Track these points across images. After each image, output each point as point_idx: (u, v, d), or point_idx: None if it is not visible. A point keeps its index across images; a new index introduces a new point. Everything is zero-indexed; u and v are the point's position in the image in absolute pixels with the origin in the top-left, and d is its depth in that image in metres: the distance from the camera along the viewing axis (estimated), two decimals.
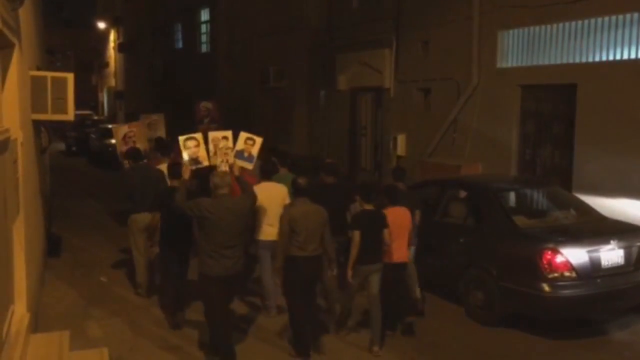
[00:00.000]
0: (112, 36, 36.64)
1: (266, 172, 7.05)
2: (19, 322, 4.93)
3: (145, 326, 6.86)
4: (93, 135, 23.04)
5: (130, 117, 19.30)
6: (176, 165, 6.88)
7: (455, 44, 10.99)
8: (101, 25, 37.41)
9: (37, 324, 6.34)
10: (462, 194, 8.19)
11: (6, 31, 4.78)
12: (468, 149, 10.75)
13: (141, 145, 9.85)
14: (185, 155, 6.72)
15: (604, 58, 8.66)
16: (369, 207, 6.26)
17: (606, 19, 8.56)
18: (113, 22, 35.21)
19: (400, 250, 6.43)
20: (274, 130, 16.66)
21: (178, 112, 17.39)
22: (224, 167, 6.63)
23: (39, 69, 8.40)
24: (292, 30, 15.76)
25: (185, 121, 11.85)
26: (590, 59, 8.85)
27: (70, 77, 7.34)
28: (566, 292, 6.36)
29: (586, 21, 8.84)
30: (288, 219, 5.88)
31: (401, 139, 12.39)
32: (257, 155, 7.09)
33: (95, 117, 32.70)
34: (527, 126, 9.92)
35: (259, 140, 6.96)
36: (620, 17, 8.37)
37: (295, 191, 6.09)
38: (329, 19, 14.96)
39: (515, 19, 9.83)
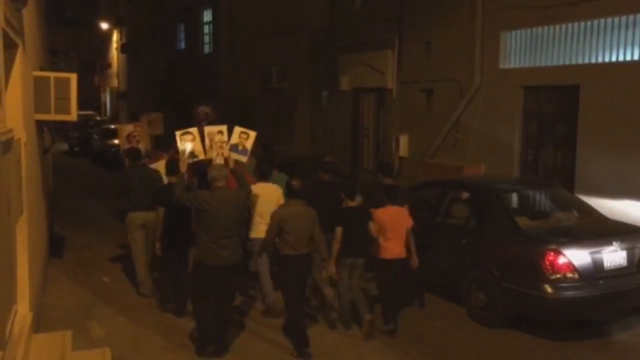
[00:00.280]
0: (114, 37, 36.68)
1: (263, 173, 7.20)
2: (22, 321, 4.94)
3: (147, 326, 6.86)
4: (95, 136, 23.08)
5: (133, 118, 19.35)
6: (173, 162, 7.13)
7: (457, 45, 10.99)
8: (104, 25, 37.45)
9: (40, 324, 6.36)
10: (465, 194, 8.18)
11: (10, 32, 4.79)
12: (470, 150, 10.75)
13: (144, 144, 9.93)
14: (182, 147, 6.93)
15: (607, 59, 8.66)
16: (352, 204, 6.62)
17: (609, 20, 8.55)
18: (116, 23, 35.25)
19: (398, 247, 6.64)
20: (276, 131, 16.68)
21: (180, 113, 17.40)
22: (219, 160, 6.85)
23: (42, 69, 8.42)
24: (294, 31, 15.78)
25: (187, 121, 11.97)
26: (593, 60, 8.84)
27: (73, 77, 7.37)
28: (568, 293, 6.36)
29: (589, 22, 8.84)
30: (279, 219, 6.10)
31: (403, 140, 12.39)
32: (251, 149, 7.25)
33: (98, 118, 32.72)
34: (529, 127, 9.92)
35: (252, 135, 7.20)
36: (623, 18, 8.37)
37: (289, 193, 6.32)
38: (332, 19, 14.97)
39: (518, 19, 9.83)
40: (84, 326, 6.76)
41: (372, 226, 6.53)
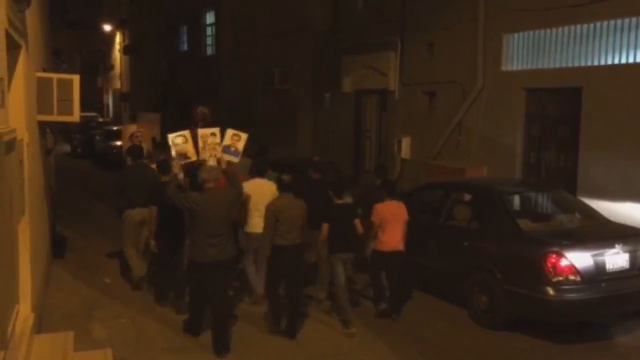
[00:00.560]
0: (117, 38, 36.75)
1: (259, 169, 7.52)
2: (24, 322, 4.95)
3: (149, 327, 6.87)
4: (98, 137, 23.10)
5: (134, 119, 19.41)
6: (164, 162, 7.43)
7: (460, 47, 10.99)
8: (107, 27, 37.51)
9: (42, 325, 6.36)
10: (467, 197, 8.18)
11: (13, 33, 4.81)
12: (473, 152, 10.75)
13: (146, 145, 10.04)
14: (173, 152, 7.18)
15: (609, 61, 8.65)
16: (340, 201, 6.95)
17: (611, 22, 8.55)
18: (119, 25, 35.32)
19: (394, 240, 6.99)
20: (278, 132, 16.69)
21: (182, 114, 17.43)
22: (212, 161, 7.06)
23: (45, 70, 8.44)
24: (297, 33, 15.79)
25: (189, 122, 12.13)
26: (596, 63, 8.84)
27: (75, 78, 7.39)
28: (570, 295, 6.34)
29: (591, 25, 8.84)
30: (273, 210, 6.48)
31: (405, 142, 12.39)
32: (243, 150, 7.47)
33: (101, 119, 32.78)
34: (532, 129, 9.92)
35: (244, 136, 7.41)
36: (626, 20, 8.37)
37: (280, 186, 6.72)
38: (334, 21, 14.99)
39: (520, 22, 9.83)
40: (86, 327, 6.76)
41: (357, 223, 6.91)
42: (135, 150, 8.53)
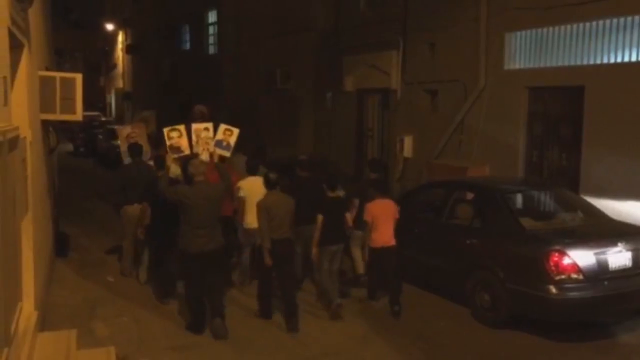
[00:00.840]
0: (120, 38, 36.81)
1: (251, 168, 7.92)
2: (27, 320, 4.96)
3: (152, 325, 6.89)
4: (100, 136, 23.14)
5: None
6: (158, 157, 7.87)
7: (462, 46, 10.97)
8: (109, 26, 37.58)
9: (45, 323, 6.38)
10: (469, 195, 8.18)
11: (16, 31, 4.82)
12: (475, 151, 10.73)
13: (144, 145, 10.15)
14: (167, 145, 7.40)
15: (612, 60, 8.63)
16: (333, 194, 7.30)
17: (614, 20, 8.53)
18: (121, 24, 35.37)
19: (386, 235, 7.26)
20: (280, 132, 16.69)
21: (184, 113, 17.43)
22: (205, 155, 7.28)
23: (47, 69, 8.45)
24: (299, 32, 15.79)
25: (190, 121, 12.32)
26: (598, 61, 8.82)
27: (78, 77, 7.41)
28: (573, 294, 6.34)
29: (594, 23, 8.82)
30: (264, 207, 6.77)
31: (408, 141, 12.38)
32: (234, 144, 7.72)
33: (103, 118, 32.84)
34: (534, 128, 9.90)
35: (236, 131, 7.65)
36: (629, 18, 8.35)
37: (267, 184, 6.98)
38: (336, 20, 14.97)
39: (523, 20, 9.81)
40: (89, 325, 6.79)
41: (347, 217, 7.31)
42: (134, 149, 8.77)
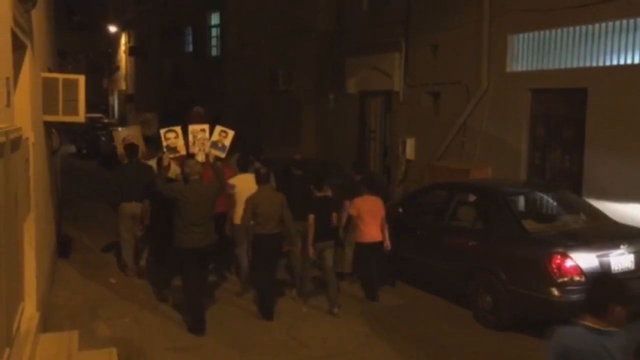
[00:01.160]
0: (123, 40, 36.87)
1: (242, 165, 8.27)
2: (29, 321, 4.96)
3: (153, 326, 6.89)
4: (103, 138, 23.15)
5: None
6: (160, 158, 7.93)
7: (464, 48, 10.97)
8: (112, 29, 37.64)
9: (47, 324, 6.38)
10: (471, 197, 8.17)
11: (19, 33, 4.83)
12: (477, 153, 10.72)
13: (141, 146, 10.30)
14: (164, 146, 7.66)
15: (615, 62, 8.62)
16: (320, 194, 7.55)
17: (617, 22, 8.52)
18: (124, 26, 35.44)
19: (373, 232, 7.56)
20: (283, 133, 16.69)
21: (187, 115, 17.44)
22: (201, 156, 7.57)
23: (50, 70, 8.47)
24: (301, 34, 15.79)
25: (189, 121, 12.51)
26: (601, 63, 8.81)
27: (81, 78, 7.41)
28: (575, 296, 6.31)
29: (597, 25, 8.81)
30: (252, 203, 7.07)
31: (410, 143, 12.37)
32: (230, 146, 7.93)
33: (106, 120, 32.88)
34: (537, 130, 9.89)
35: (231, 133, 7.88)
36: (632, 21, 8.33)
37: (258, 179, 7.25)
38: (339, 22, 14.98)
39: (525, 22, 9.80)
40: (91, 326, 6.79)
41: (334, 216, 7.55)
42: (131, 149, 8.94)
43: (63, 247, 9.53)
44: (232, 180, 7.92)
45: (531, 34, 9.89)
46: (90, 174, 20.28)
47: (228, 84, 20.36)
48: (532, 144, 9.96)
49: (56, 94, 7.07)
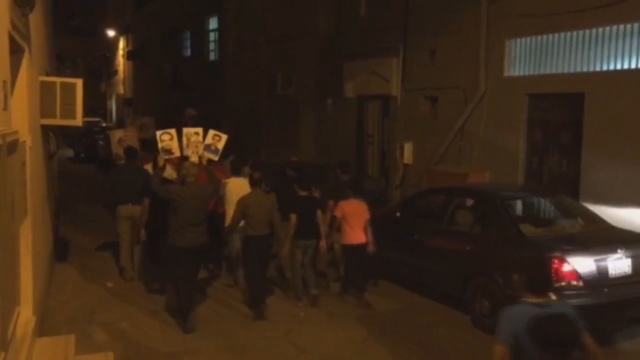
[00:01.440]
0: (121, 44, 36.89)
1: (235, 169, 8.44)
2: (25, 325, 4.95)
3: (150, 331, 6.87)
4: (101, 142, 23.15)
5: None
6: (156, 160, 8.29)
7: (462, 53, 11.00)
8: (110, 33, 37.67)
9: (43, 328, 6.36)
10: (469, 202, 8.17)
11: (16, 36, 4.83)
12: (475, 157, 10.74)
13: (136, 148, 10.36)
14: (159, 147, 7.85)
15: (612, 67, 8.65)
16: (304, 194, 7.74)
17: (614, 28, 8.55)
18: (122, 30, 35.45)
19: (358, 233, 7.72)
20: (282, 137, 16.70)
21: (181, 116, 17.45)
22: (194, 158, 7.73)
23: (48, 74, 8.47)
24: (300, 38, 15.82)
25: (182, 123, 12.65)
26: (598, 68, 8.83)
27: (79, 82, 7.41)
28: (573, 301, 6.27)
29: (594, 30, 8.84)
30: (243, 205, 7.27)
31: (408, 147, 12.39)
32: (222, 149, 8.06)
33: (104, 124, 32.87)
34: (534, 135, 9.91)
35: (224, 137, 8.01)
36: (629, 26, 8.37)
37: (251, 183, 7.49)
38: (337, 27, 15.00)
39: (523, 27, 9.84)
40: (88, 330, 6.76)
41: (318, 214, 7.68)
42: (129, 152, 9.07)
43: (60, 251, 9.51)
44: (224, 181, 8.07)
45: (528, 39, 9.93)
46: (87, 178, 20.26)
47: (226, 88, 20.38)
48: (529, 148, 9.98)
49: (54, 98, 7.07)
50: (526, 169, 10.02)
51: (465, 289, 7.19)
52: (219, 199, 8.10)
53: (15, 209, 4.49)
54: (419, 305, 7.87)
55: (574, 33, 9.13)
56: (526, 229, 7.10)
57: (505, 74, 10.32)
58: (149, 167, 8.62)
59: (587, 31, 8.93)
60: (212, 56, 22.71)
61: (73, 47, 41.75)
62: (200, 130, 8.01)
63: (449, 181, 10.01)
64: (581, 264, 6.34)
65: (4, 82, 4.18)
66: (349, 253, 7.89)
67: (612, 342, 6.71)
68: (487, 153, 10.49)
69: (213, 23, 22.42)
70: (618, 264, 6.50)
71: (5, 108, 4.27)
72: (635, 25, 8.28)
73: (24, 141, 5.30)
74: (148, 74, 29.65)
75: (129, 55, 33.46)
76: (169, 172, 8.14)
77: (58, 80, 7.37)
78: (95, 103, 37.97)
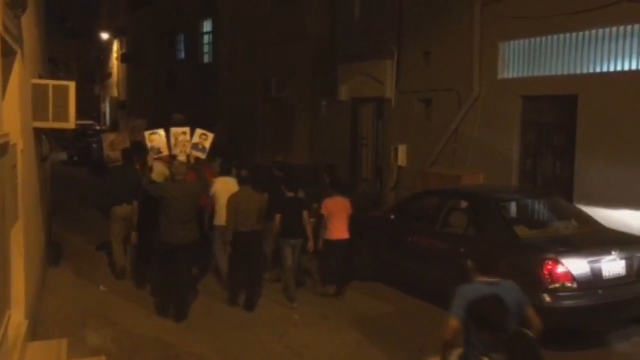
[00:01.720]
0: (115, 47, 36.84)
1: (224, 169, 8.68)
2: (17, 329, 4.92)
3: (144, 335, 6.83)
4: (95, 145, 23.08)
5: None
6: (146, 160, 8.53)
7: (456, 55, 11.02)
8: (104, 36, 37.62)
9: (36, 332, 6.32)
10: (463, 204, 8.17)
11: (8, 39, 4.80)
12: (469, 160, 10.75)
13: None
14: (148, 147, 8.12)
15: (605, 69, 8.68)
16: (290, 194, 7.90)
17: (607, 30, 8.58)
18: (116, 33, 35.40)
19: (340, 230, 7.93)
20: (276, 140, 16.69)
21: (169, 122, 17.42)
22: (182, 157, 7.95)
23: (41, 77, 8.43)
24: (294, 41, 15.82)
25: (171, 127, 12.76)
26: (592, 70, 8.87)
27: (72, 85, 7.37)
28: (567, 302, 6.32)
29: (587, 32, 8.87)
30: (234, 202, 7.51)
31: (402, 150, 12.40)
32: (210, 148, 8.31)
33: (98, 127, 32.78)
34: (528, 137, 9.93)
35: (211, 136, 8.25)
36: (622, 28, 8.40)
37: (239, 181, 7.83)
38: (332, 29, 15.02)
39: (517, 30, 9.86)
40: (80, 334, 6.72)
41: (305, 214, 7.81)
42: (126, 154, 9.25)
43: (53, 255, 9.46)
44: (213, 180, 8.29)
45: (522, 42, 9.95)
46: (81, 181, 20.19)
47: (221, 91, 20.36)
48: (523, 150, 10.00)
49: (46, 101, 7.02)
50: (520, 171, 10.04)
51: None
52: (209, 199, 8.24)
53: (6, 212, 4.46)
54: (413, 308, 7.86)
55: (568, 35, 9.16)
56: (520, 230, 7.10)
57: (499, 76, 10.35)
58: (139, 168, 8.73)
59: (581, 33, 8.96)
60: (206, 59, 22.70)
61: (67, 50, 41.65)
62: (187, 130, 8.22)
63: (444, 183, 10.02)
64: (575, 266, 6.34)
65: None
66: (331, 248, 8.04)
67: (606, 343, 6.73)
68: (482, 155, 10.50)
69: (207, 26, 22.41)
70: (612, 265, 6.51)
71: None
72: (629, 27, 8.31)
73: (16, 144, 5.27)
74: (142, 76, 29.61)
75: (123, 58, 33.42)
76: (162, 170, 8.27)
77: (51, 83, 7.33)
78: (89, 106, 37.88)
